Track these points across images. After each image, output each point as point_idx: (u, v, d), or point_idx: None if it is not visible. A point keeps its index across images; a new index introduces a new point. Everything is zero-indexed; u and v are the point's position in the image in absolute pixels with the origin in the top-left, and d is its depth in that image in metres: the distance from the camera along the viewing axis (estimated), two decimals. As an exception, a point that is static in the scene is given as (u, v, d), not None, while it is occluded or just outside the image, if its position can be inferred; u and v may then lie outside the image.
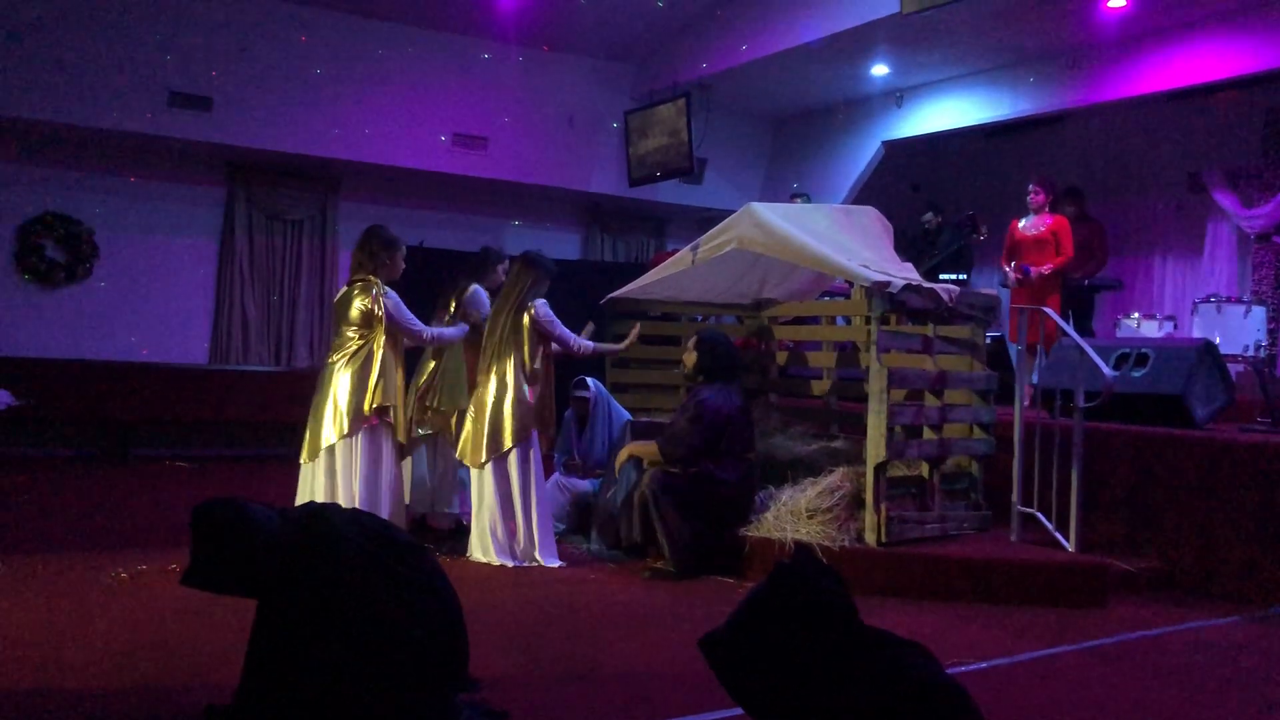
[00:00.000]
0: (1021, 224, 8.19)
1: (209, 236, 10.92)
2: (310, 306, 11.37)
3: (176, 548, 3.05)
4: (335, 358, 5.68)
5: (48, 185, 10.18)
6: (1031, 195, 8.12)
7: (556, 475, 6.95)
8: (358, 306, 5.64)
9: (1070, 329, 6.35)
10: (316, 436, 5.62)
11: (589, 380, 6.97)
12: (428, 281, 12.59)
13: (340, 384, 5.61)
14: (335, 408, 5.60)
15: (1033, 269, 7.88)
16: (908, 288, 5.59)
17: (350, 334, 5.66)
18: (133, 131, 9.74)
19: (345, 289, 5.80)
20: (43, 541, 5.89)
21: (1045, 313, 6.32)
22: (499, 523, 5.85)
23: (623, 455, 6.09)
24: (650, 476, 5.68)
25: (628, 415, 6.89)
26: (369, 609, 2.99)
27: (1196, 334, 7.82)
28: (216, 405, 9.96)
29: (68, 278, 10.29)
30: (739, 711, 2.28)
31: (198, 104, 9.85)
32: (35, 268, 10.13)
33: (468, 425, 5.95)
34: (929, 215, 10.07)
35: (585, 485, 6.78)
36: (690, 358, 6.02)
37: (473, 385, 6.12)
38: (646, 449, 5.88)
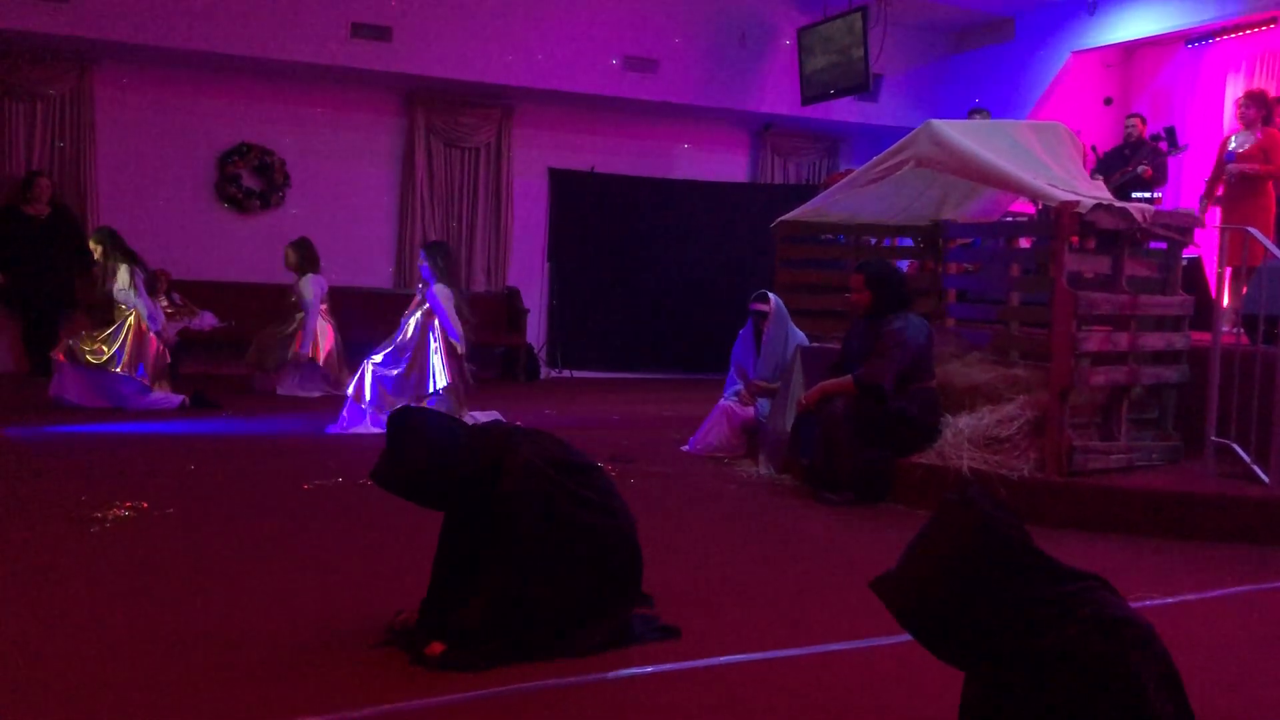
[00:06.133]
0: (1232, 143, 7.66)
1: (390, 165, 11.30)
2: (487, 232, 11.66)
3: (367, 466, 3.19)
4: None
5: (243, 117, 10.73)
6: (1242, 109, 7.56)
7: (723, 401, 6.95)
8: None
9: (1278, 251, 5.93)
10: None
11: (770, 294, 6.87)
12: (600, 208, 12.59)
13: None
14: None
15: (1234, 166, 7.45)
16: (1098, 207, 5.33)
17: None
18: (317, 63, 10.13)
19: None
20: (244, 453, 6.32)
21: (1250, 233, 5.92)
22: None
23: (811, 394, 5.85)
24: (834, 406, 5.62)
25: (803, 337, 6.78)
26: (550, 527, 3.09)
27: None
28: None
29: (262, 205, 10.87)
30: (905, 638, 2.27)
31: (378, 34, 10.15)
32: (233, 196, 10.75)
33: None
34: (1133, 123, 9.43)
35: (750, 411, 6.76)
36: (863, 297, 5.83)
37: None
38: (841, 384, 5.72)
